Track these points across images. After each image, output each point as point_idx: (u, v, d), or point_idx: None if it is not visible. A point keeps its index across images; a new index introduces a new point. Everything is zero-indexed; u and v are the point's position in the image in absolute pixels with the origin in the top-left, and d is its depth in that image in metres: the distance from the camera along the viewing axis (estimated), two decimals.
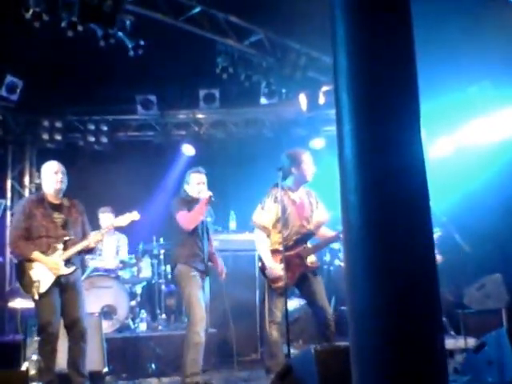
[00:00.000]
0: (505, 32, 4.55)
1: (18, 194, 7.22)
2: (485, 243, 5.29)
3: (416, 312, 1.31)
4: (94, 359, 4.15)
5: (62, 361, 3.88)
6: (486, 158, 5.68)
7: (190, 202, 4.12)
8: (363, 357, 1.35)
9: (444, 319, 5.15)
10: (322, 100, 6.15)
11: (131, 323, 5.59)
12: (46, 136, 6.80)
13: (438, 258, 4.67)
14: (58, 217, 3.84)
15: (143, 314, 5.79)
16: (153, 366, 4.80)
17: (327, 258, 6.11)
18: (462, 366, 3.90)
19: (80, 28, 4.45)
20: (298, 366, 2.94)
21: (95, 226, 4.39)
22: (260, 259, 4.07)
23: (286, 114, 7.07)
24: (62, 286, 3.79)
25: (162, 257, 6.12)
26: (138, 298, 5.89)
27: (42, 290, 3.71)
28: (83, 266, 5.15)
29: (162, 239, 6.22)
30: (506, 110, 5.70)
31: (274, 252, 3.97)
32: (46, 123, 6.80)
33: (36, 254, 3.73)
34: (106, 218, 5.75)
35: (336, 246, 5.67)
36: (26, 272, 3.77)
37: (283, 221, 3.91)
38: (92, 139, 6.93)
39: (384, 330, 1.31)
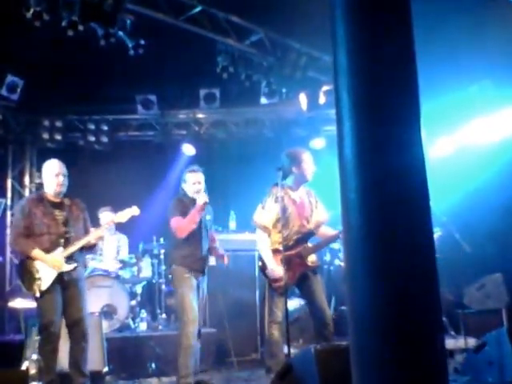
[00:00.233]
0: (505, 31, 4.55)
1: (18, 194, 7.22)
2: (485, 243, 5.29)
3: (416, 312, 1.30)
4: (94, 359, 4.15)
5: (62, 360, 3.89)
6: (487, 158, 5.68)
7: (187, 203, 4.11)
8: (363, 357, 1.35)
9: (444, 319, 5.15)
10: (322, 100, 6.15)
11: (131, 323, 5.59)
12: (46, 135, 6.80)
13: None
14: (59, 214, 3.85)
15: (143, 313, 5.79)
16: (153, 365, 4.80)
17: (327, 257, 6.11)
18: (462, 366, 3.90)
19: (80, 27, 4.44)
20: (298, 365, 2.94)
21: (95, 225, 4.38)
22: (260, 259, 4.07)
23: (287, 113, 7.07)
24: (65, 283, 3.78)
25: (162, 256, 6.12)
26: (138, 298, 5.90)
27: (44, 287, 3.71)
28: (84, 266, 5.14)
29: (162, 239, 6.22)
30: (507, 110, 5.70)
31: (275, 251, 3.97)
32: (46, 123, 6.80)
33: (36, 252, 3.73)
34: (106, 217, 5.75)
35: (336, 245, 5.67)
36: (27, 270, 3.77)
37: (284, 220, 3.91)
38: (92, 139, 6.94)
39: (384, 329, 1.31)
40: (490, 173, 5.56)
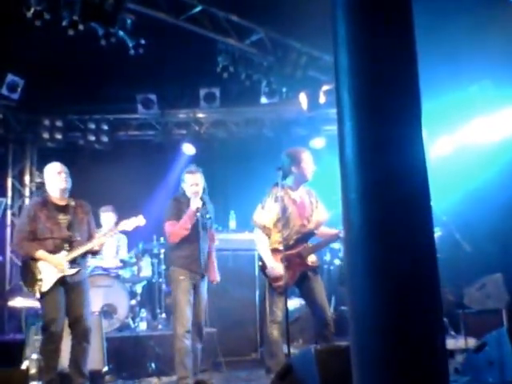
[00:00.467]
0: (505, 31, 4.55)
1: (18, 193, 7.23)
2: (485, 243, 5.29)
3: (417, 312, 1.30)
4: (94, 358, 4.15)
5: (62, 359, 3.89)
6: (487, 158, 5.68)
7: (183, 204, 4.10)
8: (364, 357, 1.35)
9: (444, 319, 5.14)
10: (322, 99, 6.15)
11: (131, 322, 5.59)
12: (46, 135, 6.80)
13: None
14: (63, 218, 3.86)
15: (143, 313, 5.79)
16: (153, 365, 4.80)
17: (327, 257, 6.11)
18: (462, 366, 3.89)
19: (81, 27, 4.44)
20: (299, 365, 2.94)
21: (96, 225, 4.39)
22: (260, 259, 4.07)
23: (287, 113, 7.07)
24: (68, 285, 3.81)
25: (162, 256, 6.11)
26: (138, 298, 5.89)
27: (45, 288, 3.73)
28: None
29: (162, 238, 6.22)
30: (507, 110, 5.70)
31: (275, 251, 3.97)
32: (46, 122, 6.80)
33: (41, 253, 3.76)
34: (107, 217, 5.75)
35: (336, 245, 5.67)
36: (29, 270, 3.79)
37: (284, 220, 3.91)
38: (92, 138, 6.94)
39: (384, 329, 1.31)
40: (490, 172, 5.56)
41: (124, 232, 6.00)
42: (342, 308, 5.83)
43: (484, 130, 5.88)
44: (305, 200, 4.14)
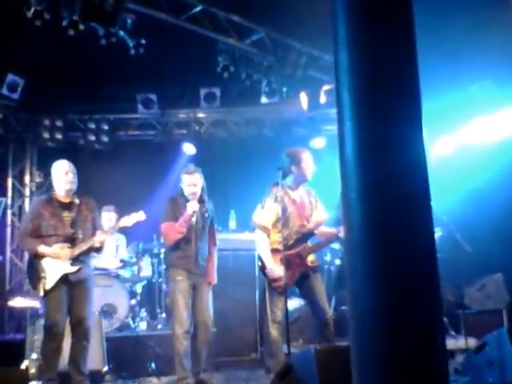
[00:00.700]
0: (506, 31, 4.55)
1: (18, 193, 7.23)
2: (486, 243, 5.29)
3: (417, 312, 1.30)
4: (94, 358, 4.15)
5: (62, 358, 3.89)
6: (487, 158, 5.68)
7: (181, 204, 4.07)
8: (364, 357, 1.35)
9: (445, 319, 5.14)
10: (322, 99, 6.15)
11: (131, 322, 5.59)
12: (46, 135, 6.80)
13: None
14: (67, 215, 3.89)
15: (143, 313, 5.79)
16: (152, 365, 4.80)
17: (328, 257, 6.11)
18: (462, 367, 3.89)
19: (81, 27, 4.44)
20: (298, 365, 2.94)
21: None
22: (260, 259, 4.07)
23: (287, 113, 7.07)
24: (71, 283, 3.82)
25: (162, 256, 6.11)
26: (138, 297, 5.89)
27: (48, 286, 3.76)
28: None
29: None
30: (507, 109, 5.69)
31: (275, 251, 3.96)
32: (46, 122, 6.80)
33: (42, 247, 3.78)
34: (108, 217, 5.75)
35: (336, 245, 5.66)
36: (34, 269, 3.82)
37: (283, 220, 3.91)
38: (93, 138, 6.94)
39: (384, 329, 1.31)
40: (490, 172, 5.56)
41: (123, 231, 6.04)
42: (342, 308, 5.83)
43: (484, 130, 5.88)
44: (304, 200, 4.13)
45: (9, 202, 7.02)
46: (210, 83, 6.71)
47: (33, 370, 4.11)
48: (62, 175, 3.89)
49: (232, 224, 6.07)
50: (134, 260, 6.00)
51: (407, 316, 1.30)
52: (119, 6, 4.54)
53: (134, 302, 5.74)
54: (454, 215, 4.79)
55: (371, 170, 1.35)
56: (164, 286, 6.06)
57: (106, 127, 6.99)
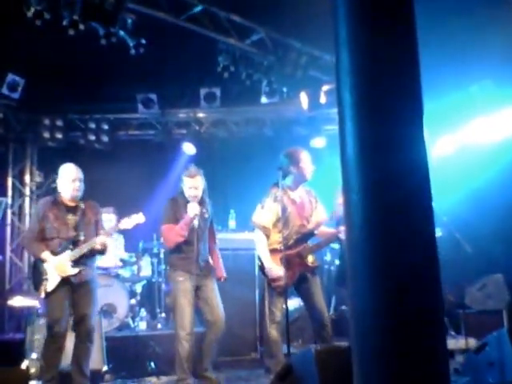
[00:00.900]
0: (506, 31, 4.54)
1: (18, 193, 7.23)
2: (486, 243, 5.29)
3: (418, 312, 1.30)
4: (94, 358, 4.15)
5: (65, 358, 3.90)
6: (488, 158, 5.68)
7: (181, 205, 4.05)
8: (364, 357, 1.35)
9: (445, 319, 5.14)
10: (323, 99, 6.15)
11: (131, 322, 5.59)
12: (46, 134, 6.79)
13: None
14: (71, 218, 3.91)
15: (143, 312, 5.79)
16: (152, 364, 4.80)
17: (328, 257, 6.11)
18: (462, 367, 3.89)
19: (81, 27, 4.44)
20: (298, 365, 2.94)
21: None
22: (260, 258, 4.07)
23: (287, 112, 7.06)
24: (74, 285, 3.83)
25: (161, 255, 6.11)
26: (138, 297, 5.89)
27: (49, 288, 3.78)
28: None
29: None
30: (508, 109, 5.69)
31: (275, 251, 3.96)
32: (47, 121, 6.79)
33: (44, 254, 3.80)
34: (107, 218, 5.74)
35: (336, 246, 5.66)
36: (38, 270, 3.85)
37: (283, 220, 3.91)
38: (93, 138, 6.93)
39: (385, 329, 1.31)
40: (491, 172, 5.55)
41: (123, 231, 6.04)
42: (342, 308, 5.83)
43: (485, 130, 5.87)
44: (304, 200, 4.13)
45: (9, 201, 7.02)
46: (210, 83, 6.71)
47: (33, 370, 4.11)
48: (69, 182, 3.91)
49: (232, 224, 6.07)
50: (134, 259, 6.00)
51: (407, 316, 1.30)
52: (119, 6, 4.54)
53: (133, 301, 5.74)
54: (454, 215, 4.79)
55: (372, 170, 1.35)
56: (164, 286, 6.06)
57: (106, 127, 6.98)
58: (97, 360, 4.27)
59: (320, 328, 3.90)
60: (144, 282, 6.13)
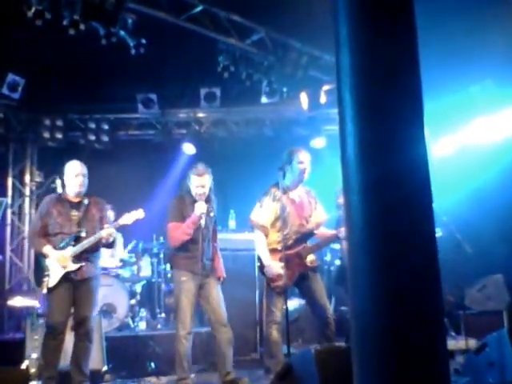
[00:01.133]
0: (506, 32, 4.54)
1: (18, 192, 7.23)
2: (486, 243, 5.28)
3: (418, 312, 1.30)
4: (94, 357, 4.15)
5: (65, 357, 3.91)
6: (488, 158, 5.68)
7: (187, 203, 4.02)
8: (364, 357, 1.35)
9: (445, 320, 5.14)
10: (323, 99, 6.15)
11: (131, 322, 5.59)
12: (47, 134, 6.79)
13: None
14: (75, 214, 3.94)
15: (143, 312, 5.79)
16: (152, 364, 4.80)
17: (327, 257, 6.11)
18: (462, 367, 3.89)
19: (82, 26, 4.44)
20: (298, 365, 2.94)
21: None
22: (259, 259, 4.07)
23: (287, 113, 7.06)
24: (75, 282, 3.85)
25: (161, 255, 6.11)
26: (138, 297, 5.89)
27: (51, 284, 3.80)
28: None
29: (162, 238, 6.21)
30: (509, 109, 5.69)
31: (274, 251, 3.96)
32: (47, 121, 6.79)
33: (46, 248, 3.84)
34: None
35: (337, 246, 5.66)
36: (40, 266, 3.88)
37: (282, 220, 3.91)
38: (93, 138, 6.93)
39: (385, 330, 1.31)
40: (491, 173, 5.55)
41: (124, 229, 6.03)
42: (342, 308, 5.83)
43: (486, 130, 5.87)
44: (304, 200, 4.13)
45: (9, 201, 7.02)
46: (211, 83, 6.71)
47: (33, 370, 4.11)
48: (72, 177, 3.95)
49: (232, 224, 6.07)
50: (134, 259, 6.00)
51: (408, 316, 1.30)
52: (120, 6, 4.54)
53: (133, 301, 5.74)
54: (454, 215, 4.78)
55: (373, 170, 1.34)
56: (163, 286, 6.06)
57: (106, 127, 6.98)
58: (97, 360, 4.27)
59: (323, 326, 3.89)
60: (144, 282, 6.13)
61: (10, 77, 6.15)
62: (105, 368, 4.41)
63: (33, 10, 4.34)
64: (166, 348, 4.94)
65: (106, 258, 5.83)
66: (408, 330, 1.29)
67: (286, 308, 3.77)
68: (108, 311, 5.32)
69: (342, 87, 1.41)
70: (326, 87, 6.07)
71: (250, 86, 6.02)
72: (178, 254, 4.02)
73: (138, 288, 6.00)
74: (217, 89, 6.74)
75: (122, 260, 5.94)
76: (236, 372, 3.98)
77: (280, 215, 3.91)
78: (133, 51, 4.89)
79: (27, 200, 7.20)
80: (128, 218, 4.01)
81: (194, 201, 3.99)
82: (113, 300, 5.37)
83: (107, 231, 3.86)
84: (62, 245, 3.86)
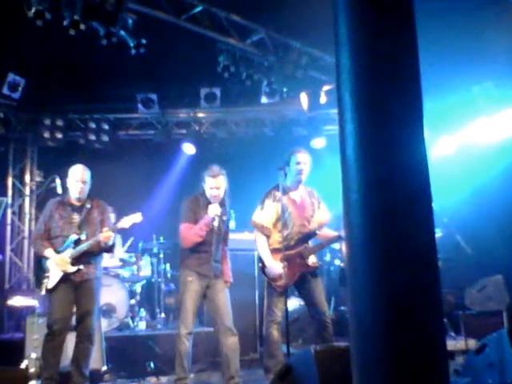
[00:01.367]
0: (507, 33, 4.54)
1: (18, 192, 7.23)
2: (487, 244, 5.29)
3: (417, 313, 1.30)
4: (94, 357, 4.15)
5: (65, 358, 3.91)
6: (489, 158, 5.68)
7: (201, 204, 3.97)
8: (363, 357, 1.35)
9: (445, 320, 5.14)
10: (323, 99, 6.15)
11: (130, 322, 5.59)
12: (47, 134, 6.80)
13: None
14: (76, 217, 3.97)
15: (142, 312, 5.79)
16: (151, 364, 4.80)
17: (327, 258, 6.11)
18: (462, 368, 3.89)
19: (82, 27, 4.43)
20: (298, 366, 2.93)
21: None
22: (260, 259, 4.07)
23: (287, 113, 7.07)
24: (75, 284, 3.87)
25: (161, 255, 6.11)
26: (138, 297, 5.89)
27: (50, 285, 3.83)
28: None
29: (161, 238, 6.21)
30: (509, 110, 5.69)
31: (275, 251, 3.96)
32: (47, 121, 6.80)
33: (47, 252, 3.88)
34: None
35: (336, 246, 5.66)
36: (41, 267, 3.92)
37: (283, 220, 3.91)
38: (93, 138, 6.93)
39: (384, 331, 1.31)
40: (491, 174, 5.56)
41: (124, 230, 6.02)
42: (342, 308, 5.83)
43: (486, 131, 5.88)
44: (305, 200, 4.13)
45: (9, 201, 7.02)
46: (211, 83, 6.71)
47: (32, 370, 4.11)
48: (73, 182, 3.99)
49: (231, 224, 6.05)
50: (134, 259, 6.00)
51: (407, 317, 1.30)
52: (120, 6, 4.53)
53: (133, 301, 5.73)
54: (454, 216, 4.78)
55: (372, 171, 1.34)
56: (163, 286, 6.06)
57: (106, 127, 6.98)
58: (96, 360, 4.27)
59: (321, 328, 3.90)
60: (144, 282, 6.12)
61: (11, 77, 6.16)
62: (104, 368, 4.41)
63: (33, 10, 4.34)
64: (166, 348, 4.94)
65: (106, 258, 5.83)
66: (407, 331, 1.29)
67: (286, 308, 3.77)
68: (108, 311, 5.32)
69: (341, 87, 1.42)
70: (325, 87, 6.07)
71: (250, 86, 6.02)
72: (187, 254, 3.98)
73: (138, 288, 5.99)
74: (217, 89, 6.74)
75: (121, 260, 5.93)
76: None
77: (281, 216, 3.92)
78: (133, 51, 4.88)
79: (27, 200, 7.20)
80: (126, 222, 4.00)
81: (209, 202, 3.94)
82: (112, 300, 5.37)
83: (105, 235, 3.86)
84: (62, 248, 3.89)
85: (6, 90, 6.20)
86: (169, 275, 6.28)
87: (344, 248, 4.88)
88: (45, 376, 3.76)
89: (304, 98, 6.23)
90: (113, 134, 7.06)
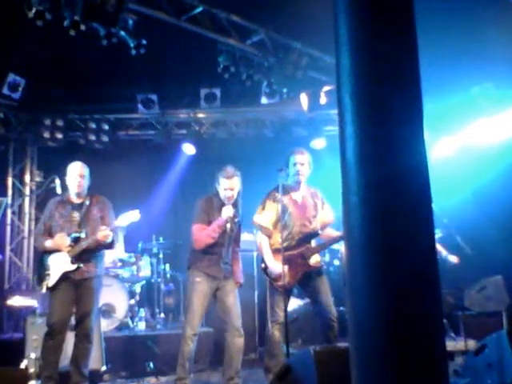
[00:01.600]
0: (507, 33, 4.54)
1: (18, 192, 7.23)
2: (486, 245, 5.29)
3: (417, 314, 1.30)
4: (93, 357, 4.15)
5: (65, 358, 3.91)
6: (489, 159, 5.69)
7: (215, 205, 3.94)
8: (363, 358, 1.35)
9: (444, 321, 5.14)
10: (323, 100, 6.15)
11: (130, 322, 5.59)
12: (47, 134, 6.79)
13: (455, 258, 4.67)
14: (76, 215, 3.98)
15: (142, 312, 5.79)
16: (151, 364, 4.80)
17: (327, 258, 6.11)
18: (461, 369, 3.89)
19: (82, 27, 4.43)
20: (297, 366, 2.93)
21: None
22: (262, 260, 4.07)
23: (287, 113, 7.07)
24: (75, 282, 3.87)
25: (161, 256, 6.11)
26: (137, 297, 5.89)
27: (50, 283, 3.84)
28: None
29: (161, 238, 6.21)
30: (509, 111, 5.70)
31: (277, 251, 3.96)
32: (47, 121, 6.79)
33: (47, 242, 3.90)
34: None
35: (336, 246, 5.66)
36: (42, 265, 3.93)
37: (283, 221, 3.91)
38: (93, 138, 6.93)
39: (384, 331, 1.31)
40: (491, 174, 5.56)
41: (124, 230, 6.03)
42: (341, 309, 5.82)
43: (486, 132, 5.88)
44: (307, 201, 4.13)
45: (9, 201, 7.02)
46: (211, 83, 6.71)
47: (32, 370, 4.11)
48: (71, 178, 4.00)
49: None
50: (133, 260, 6.00)
51: (407, 317, 1.30)
52: (120, 7, 4.53)
53: (133, 301, 5.73)
54: (454, 216, 4.79)
55: (372, 172, 1.35)
56: (163, 286, 6.06)
57: (106, 127, 6.98)
58: (96, 360, 4.27)
59: (326, 327, 3.88)
60: (143, 282, 6.12)
61: (11, 77, 6.16)
62: (104, 368, 4.41)
63: (33, 10, 4.34)
64: (165, 348, 4.94)
65: (107, 256, 5.83)
66: (406, 331, 1.29)
67: (286, 308, 3.77)
68: (107, 311, 5.32)
69: (341, 88, 1.42)
70: (325, 88, 6.07)
71: (250, 87, 6.02)
72: (197, 255, 3.95)
73: (138, 288, 5.99)
74: (217, 89, 6.75)
75: (121, 260, 5.93)
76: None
77: (281, 216, 3.92)
78: (133, 52, 4.88)
79: (27, 200, 7.20)
80: (123, 220, 3.99)
81: (223, 204, 3.92)
82: (112, 300, 5.37)
83: (102, 233, 3.86)
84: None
85: (6, 90, 6.20)
86: (168, 275, 6.28)
87: (344, 248, 4.88)
88: (44, 375, 3.76)
89: (304, 99, 6.23)
90: (113, 135, 7.06)
